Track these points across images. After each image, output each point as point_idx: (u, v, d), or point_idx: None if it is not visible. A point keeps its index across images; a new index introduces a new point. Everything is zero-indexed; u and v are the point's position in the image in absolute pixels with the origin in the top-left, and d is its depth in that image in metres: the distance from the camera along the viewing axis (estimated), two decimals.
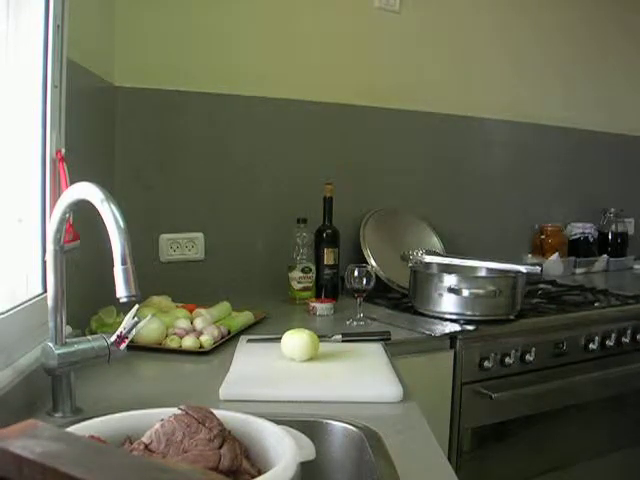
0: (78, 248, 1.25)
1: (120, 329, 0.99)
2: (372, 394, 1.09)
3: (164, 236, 1.89)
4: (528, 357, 1.70)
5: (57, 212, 0.92)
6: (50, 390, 0.97)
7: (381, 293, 1.97)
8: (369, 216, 2.16)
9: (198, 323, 1.47)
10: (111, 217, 0.85)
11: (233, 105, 1.98)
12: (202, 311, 1.54)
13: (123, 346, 0.99)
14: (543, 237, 2.65)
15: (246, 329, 1.56)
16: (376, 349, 1.36)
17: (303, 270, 1.90)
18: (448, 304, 1.71)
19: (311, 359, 1.26)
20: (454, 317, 1.70)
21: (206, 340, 1.38)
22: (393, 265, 2.04)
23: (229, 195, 1.99)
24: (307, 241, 1.92)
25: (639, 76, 2.97)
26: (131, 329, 0.99)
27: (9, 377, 0.92)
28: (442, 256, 1.95)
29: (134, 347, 1.27)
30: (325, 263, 1.94)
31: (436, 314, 1.73)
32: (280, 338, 1.28)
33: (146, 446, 0.72)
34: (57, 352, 0.94)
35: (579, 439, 1.88)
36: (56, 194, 1.15)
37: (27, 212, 1.16)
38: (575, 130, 2.73)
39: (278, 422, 0.79)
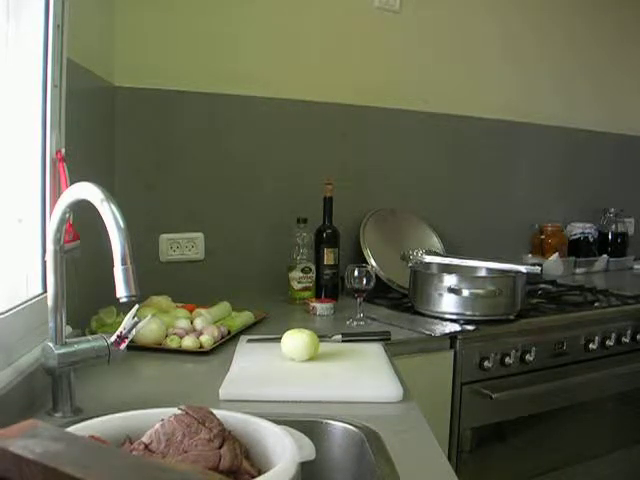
0: (78, 248, 1.25)
1: (120, 329, 0.99)
2: (372, 394, 1.09)
3: (164, 236, 1.89)
4: (528, 357, 1.70)
5: (57, 212, 0.92)
6: (50, 390, 0.97)
7: (381, 293, 1.97)
8: (369, 216, 2.16)
9: (198, 323, 1.47)
10: (111, 217, 0.85)
11: (233, 105, 1.98)
12: (202, 311, 1.54)
13: (123, 346, 0.99)
14: (543, 237, 2.65)
15: (246, 329, 1.56)
16: (376, 349, 1.36)
17: (303, 270, 1.90)
18: (448, 304, 1.71)
19: (311, 359, 1.26)
20: (454, 317, 1.70)
21: (206, 340, 1.38)
22: (393, 265, 2.04)
23: (229, 195, 1.99)
24: (307, 241, 1.92)
25: (639, 76, 2.97)
26: (131, 329, 0.99)
27: (9, 377, 0.92)
28: (442, 256, 1.95)
29: (134, 347, 1.27)
30: (325, 263, 1.94)
31: (436, 314, 1.73)
32: (280, 338, 1.28)
33: (146, 446, 0.72)
34: (57, 352, 0.94)
35: (579, 439, 1.88)
36: (56, 194, 1.15)
37: (27, 212, 1.16)
38: (575, 130, 2.73)
39: (278, 422, 0.79)
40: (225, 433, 0.74)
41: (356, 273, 1.65)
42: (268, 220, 2.05)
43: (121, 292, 0.84)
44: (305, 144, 2.11)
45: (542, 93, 2.63)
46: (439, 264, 1.90)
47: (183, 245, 1.92)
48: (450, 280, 1.71)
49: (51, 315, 0.95)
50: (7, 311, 1.01)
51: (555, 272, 2.52)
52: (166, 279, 1.84)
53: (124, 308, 0.99)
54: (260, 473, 0.71)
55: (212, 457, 0.70)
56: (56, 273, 0.95)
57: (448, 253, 2.16)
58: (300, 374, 1.19)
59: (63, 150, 1.20)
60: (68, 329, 1.08)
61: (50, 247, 0.94)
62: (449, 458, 1.59)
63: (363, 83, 2.20)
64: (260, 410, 0.90)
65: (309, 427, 0.92)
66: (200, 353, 1.35)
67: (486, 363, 1.64)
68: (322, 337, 1.35)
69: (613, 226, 2.83)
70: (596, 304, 1.99)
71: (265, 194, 2.05)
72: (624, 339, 1.92)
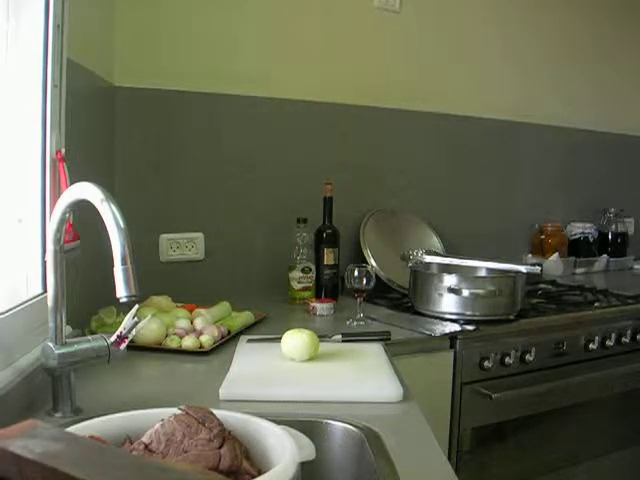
0: (78, 248, 1.25)
1: (120, 329, 0.99)
2: (372, 394, 1.09)
3: (164, 236, 1.89)
4: (528, 357, 1.70)
5: (57, 212, 0.92)
6: (50, 390, 0.97)
7: (381, 293, 1.96)
8: (369, 216, 2.16)
9: (198, 323, 1.47)
10: (111, 217, 0.85)
11: (233, 105, 1.98)
12: (202, 311, 1.54)
13: (123, 346, 0.99)
14: (543, 237, 2.65)
15: (246, 329, 1.56)
16: (376, 349, 1.36)
17: (303, 270, 1.90)
18: (448, 304, 1.71)
19: (311, 359, 1.26)
20: (454, 317, 1.70)
21: (206, 340, 1.38)
22: (393, 265, 2.04)
23: (229, 195, 1.99)
24: (307, 241, 1.92)
25: (639, 76, 2.97)
26: (131, 329, 0.99)
27: (9, 377, 0.92)
28: (442, 256, 1.95)
29: (134, 347, 1.27)
30: (325, 263, 1.94)
31: (436, 314, 1.73)
32: (280, 338, 1.28)
33: (146, 446, 0.72)
34: (57, 352, 0.94)
35: (579, 439, 1.88)
36: (56, 194, 1.15)
37: (27, 212, 1.16)
38: (575, 130, 2.73)
39: (278, 422, 0.79)
40: (225, 433, 0.74)
41: (356, 273, 1.65)
42: (268, 220, 2.05)
43: (121, 292, 0.85)
44: (305, 144, 2.11)
45: (542, 93, 2.63)
46: (439, 264, 1.90)
47: (183, 245, 1.92)
48: (450, 280, 1.71)
49: (51, 315, 0.95)
50: (7, 311, 1.01)
51: (555, 272, 2.52)
52: (166, 279, 1.84)
53: (124, 308, 0.99)
54: (260, 473, 0.71)
55: (212, 457, 0.70)
56: (56, 273, 0.95)
57: (448, 253, 2.16)
58: (300, 374, 1.19)
59: (63, 150, 1.20)
60: (68, 329, 1.08)
61: (50, 247, 0.94)
62: (449, 458, 1.59)
63: (363, 83, 2.20)
64: (260, 410, 0.90)
65: (309, 427, 0.92)
66: (200, 353, 1.35)
67: (486, 363, 1.64)
68: (322, 337, 1.35)
69: (613, 226, 2.83)
70: (596, 304, 1.99)
71: (265, 194, 2.04)
72: (624, 339, 1.92)
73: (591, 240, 2.73)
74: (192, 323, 1.48)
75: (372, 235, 2.11)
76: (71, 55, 1.25)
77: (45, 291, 1.11)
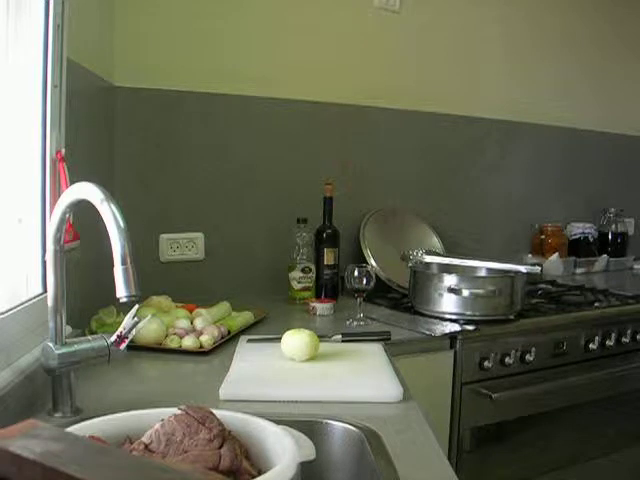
0: (78, 248, 1.25)
1: (120, 329, 0.99)
2: (372, 394, 1.09)
3: (164, 236, 1.89)
4: (528, 357, 1.70)
5: (57, 212, 0.92)
6: (50, 390, 0.97)
7: (381, 293, 1.96)
8: (369, 216, 2.16)
9: (198, 323, 1.47)
10: (111, 217, 0.85)
11: (233, 105, 1.98)
12: (202, 311, 1.54)
13: (123, 346, 0.99)
14: (543, 237, 2.65)
15: (246, 329, 1.56)
16: (376, 349, 1.36)
17: (303, 270, 1.90)
18: (448, 304, 1.71)
19: (311, 359, 1.26)
20: (454, 317, 1.70)
21: (206, 340, 1.38)
22: (393, 265, 2.04)
23: (229, 195, 1.99)
24: (307, 241, 1.92)
25: (638, 76, 2.97)
26: (131, 329, 0.99)
27: (9, 377, 0.92)
28: (442, 256, 1.95)
29: (134, 347, 1.27)
30: (325, 263, 1.94)
31: (436, 314, 1.73)
32: (280, 338, 1.28)
33: (146, 446, 0.72)
34: (57, 352, 0.94)
35: (579, 439, 1.88)
36: (56, 194, 1.15)
37: (27, 212, 1.16)
38: (575, 130, 2.73)
39: (278, 422, 0.79)
40: (225, 433, 0.74)
41: (356, 273, 1.65)
42: (268, 220, 2.05)
43: (121, 292, 0.85)
44: (305, 144, 2.11)
45: (542, 93, 2.63)
46: (439, 264, 1.90)
47: (183, 245, 1.92)
48: (450, 280, 1.71)
49: (51, 315, 0.95)
50: (7, 311, 1.01)
51: (555, 272, 2.52)
52: (166, 279, 1.84)
53: (124, 308, 0.99)
54: (260, 473, 0.71)
55: (212, 457, 0.70)
56: (56, 273, 0.95)
57: (448, 253, 2.16)
58: (300, 374, 1.19)
59: (63, 150, 1.20)
60: (68, 329, 1.08)
61: (50, 247, 0.94)
62: (449, 458, 1.59)
63: (363, 83, 2.20)
64: (260, 410, 0.90)
65: (309, 427, 0.92)
66: (200, 353, 1.35)
67: (486, 363, 1.64)
68: (322, 337, 1.35)
69: (613, 226, 2.83)
70: (596, 304, 1.99)
71: (265, 194, 2.04)
72: (624, 339, 1.92)
73: (591, 240, 2.73)
74: (192, 323, 1.48)
75: (372, 235, 2.11)
76: (71, 55, 1.25)
77: (45, 291, 1.11)
